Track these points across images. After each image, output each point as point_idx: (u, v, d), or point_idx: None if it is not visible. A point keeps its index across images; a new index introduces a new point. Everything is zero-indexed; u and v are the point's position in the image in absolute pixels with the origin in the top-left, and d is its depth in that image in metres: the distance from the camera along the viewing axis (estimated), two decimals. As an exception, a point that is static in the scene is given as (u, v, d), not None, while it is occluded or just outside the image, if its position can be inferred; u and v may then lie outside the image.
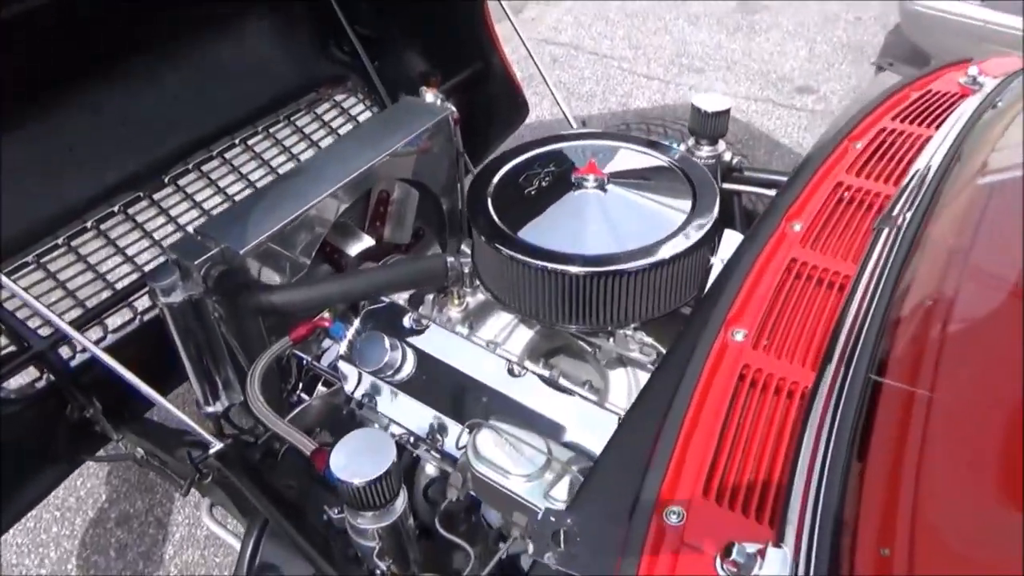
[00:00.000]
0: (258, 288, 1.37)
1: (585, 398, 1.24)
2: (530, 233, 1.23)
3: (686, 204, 1.24)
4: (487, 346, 1.37)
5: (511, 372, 1.26)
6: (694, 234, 1.17)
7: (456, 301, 1.46)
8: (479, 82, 2.43)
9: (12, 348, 1.56)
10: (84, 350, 1.57)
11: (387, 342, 1.30)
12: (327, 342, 1.51)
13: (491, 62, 2.43)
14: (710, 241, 1.22)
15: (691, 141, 1.72)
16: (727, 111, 1.62)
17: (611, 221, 1.22)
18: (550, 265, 1.18)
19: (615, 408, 1.28)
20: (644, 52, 4.25)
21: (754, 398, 0.83)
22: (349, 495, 0.99)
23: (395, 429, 1.38)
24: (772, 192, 1.77)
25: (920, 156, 1.13)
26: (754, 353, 0.88)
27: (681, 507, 0.75)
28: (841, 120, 1.33)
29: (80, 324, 1.66)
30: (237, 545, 1.48)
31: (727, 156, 1.71)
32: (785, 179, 1.79)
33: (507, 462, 1.01)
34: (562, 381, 1.33)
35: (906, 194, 1.02)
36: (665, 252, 1.15)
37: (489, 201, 1.28)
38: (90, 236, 1.84)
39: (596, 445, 1.15)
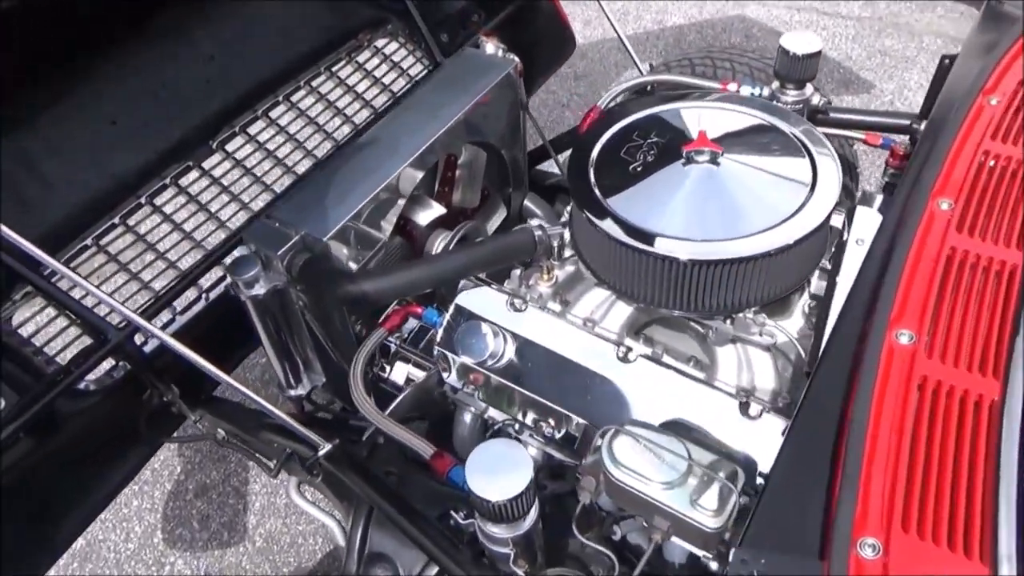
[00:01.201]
0: (345, 278, 1.31)
1: (700, 381, 1.20)
2: (637, 213, 1.15)
3: (806, 175, 1.15)
4: (585, 325, 1.32)
5: (622, 358, 1.21)
6: (816, 215, 1.09)
7: (546, 276, 1.39)
8: (524, 15, 2.29)
9: (89, 341, 1.52)
10: (157, 336, 1.54)
11: (489, 330, 1.25)
12: (412, 321, 1.46)
13: (538, -7, 2.29)
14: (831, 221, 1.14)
15: (775, 84, 1.62)
16: (818, 53, 1.51)
17: (725, 199, 1.14)
18: (660, 251, 1.11)
19: (727, 387, 1.24)
20: (676, -38, 4.00)
21: (938, 413, 0.78)
22: (487, 510, 0.96)
23: (494, 414, 1.35)
24: (860, 135, 1.68)
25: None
26: (928, 360, 0.82)
27: (876, 540, 0.71)
28: (964, 69, 1.23)
29: (149, 310, 1.61)
30: (331, 524, 1.48)
31: (815, 99, 1.61)
32: (874, 119, 1.71)
33: (647, 468, 0.97)
34: (666, 359, 1.29)
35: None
36: (784, 236, 1.08)
37: (591, 176, 1.20)
38: (146, 212, 1.76)
39: (725, 436, 1.11)
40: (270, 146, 1.95)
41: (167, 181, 1.82)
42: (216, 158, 1.91)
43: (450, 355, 1.28)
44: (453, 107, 1.53)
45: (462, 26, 2.27)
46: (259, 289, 1.32)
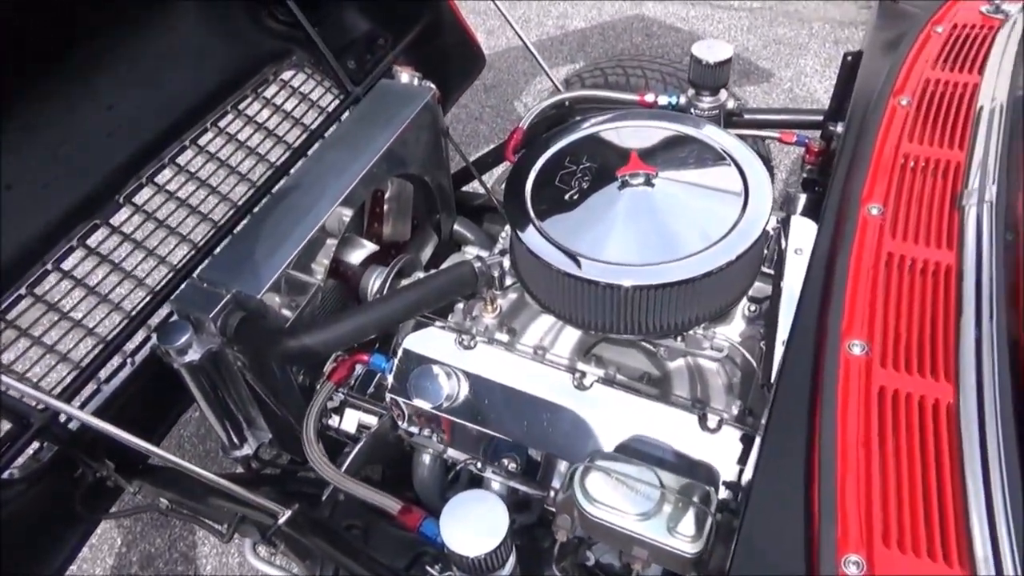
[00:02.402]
0: (285, 334, 1.26)
1: (656, 398, 1.21)
2: (578, 241, 1.15)
3: (737, 185, 1.17)
4: (536, 353, 1.32)
5: (578, 386, 1.21)
6: (754, 226, 1.11)
7: (490, 308, 1.38)
8: (431, 36, 2.26)
9: (9, 426, 1.42)
10: (84, 410, 1.45)
11: (441, 372, 1.22)
12: (357, 368, 1.42)
13: (441, 13, 2.26)
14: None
15: (691, 92, 1.64)
16: (729, 60, 1.54)
17: (664, 220, 1.14)
18: (603, 279, 1.11)
19: (682, 401, 1.26)
20: (571, -35, 4.04)
21: (900, 422, 0.80)
22: (466, 565, 0.94)
23: (453, 453, 1.33)
24: (776, 134, 1.73)
25: (977, 111, 1.09)
26: (883, 370, 0.85)
27: (860, 556, 0.73)
28: (871, 69, 1.27)
29: (72, 385, 1.51)
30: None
31: (730, 104, 1.65)
32: (785, 117, 1.76)
33: (621, 502, 0.97)
34: (620, 378, 1.29)
35: (976, 162, 0.98)
36: (726, 252, 1.09)
37: (529, 207, 1.19)
38: (54, 280, 1.66)
39: (687, 450, 1.13)
40: (182, 194, 1.86)
41: (74, 243, 1.71)
42: (125, 212, 1.81)
43: (403, 401, 1.25)
44: (376, 142, 1.49)
45: (368, 51, 2.23)
46: (193, 355, 1.25)
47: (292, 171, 1.57)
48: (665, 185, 1.18)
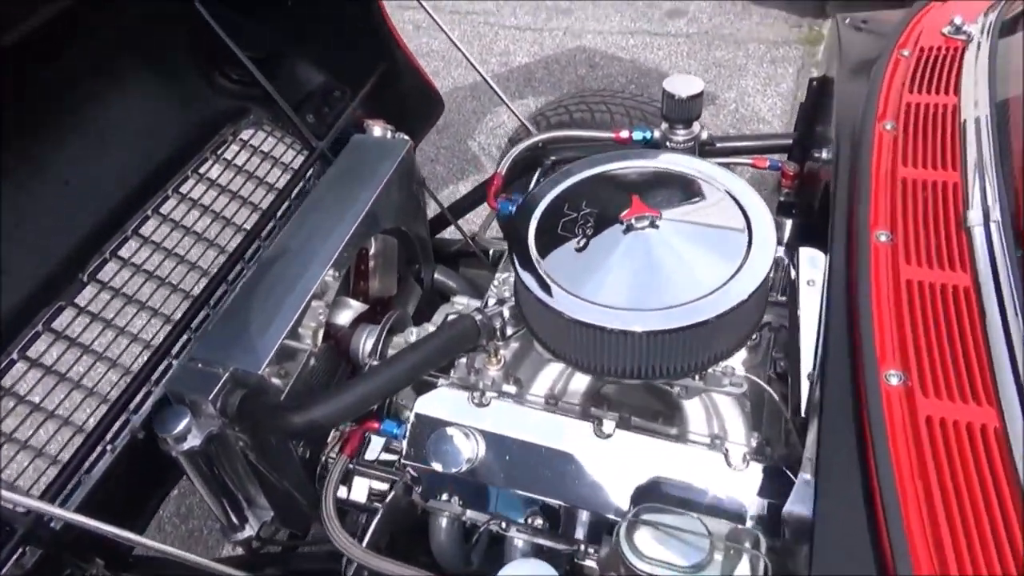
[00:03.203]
0: (290, 409, 1.21)
1: (677, 439, 1.20)
2: (588, 288, 1.13)
3: (739, 220, 1.18)
4: (548, 403, 1.29)
5: (598, 434, 1.19)
6: (763, 260, 1.11)
7: (495, 360, 1.35)
8: (389, 84, 2.24)
9: (-8, 534, 1.32)
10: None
11: (459, 434, 1.19)
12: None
13: (397, 60, 2.24)
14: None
15: (664, 126, 1.66)
16: (701, 93, 1.56)
17: (672, 262, 1.14)
18: (615, 326, 1.09)
19: (701, 438, 1.25)
20: (507, 3, 4.09)
21: (952, 450, 0.81)
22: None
23: (472, 515, 1.29)
24: (749, 160, 1.76)
25: (961, 131, 1.13)
26: (925, 399, 0.85)
27: (937, 594, 0.72)
28: (848, 94, 1.31)
29: (54, 485, 1.42)
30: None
31: (704, 135, 1.67)
32: (757, 143, 1.80)
33: (672, 555, 0.95)
34: (636, 421, 1.28)
35: (975, 183, 1.01)
36: (740, 290, 1.09)
37: (536, 257, 1.18)
38: (21, 369, 1.56)
39: (716, 491, 1.12)
40: (149, 266, 1.78)
41: (39, 328, 1.62)
42: (90, 291, 1.72)
43: (421, 467, 1.21)
44: (359, 202, 1.46)
45: (326, 104, 2.20)
46: (193, 440, 1.19)
47: (276, 237, 1.52)
48: (669, 226, 1.18)
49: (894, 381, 0.88)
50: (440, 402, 1.24)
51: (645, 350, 1.11)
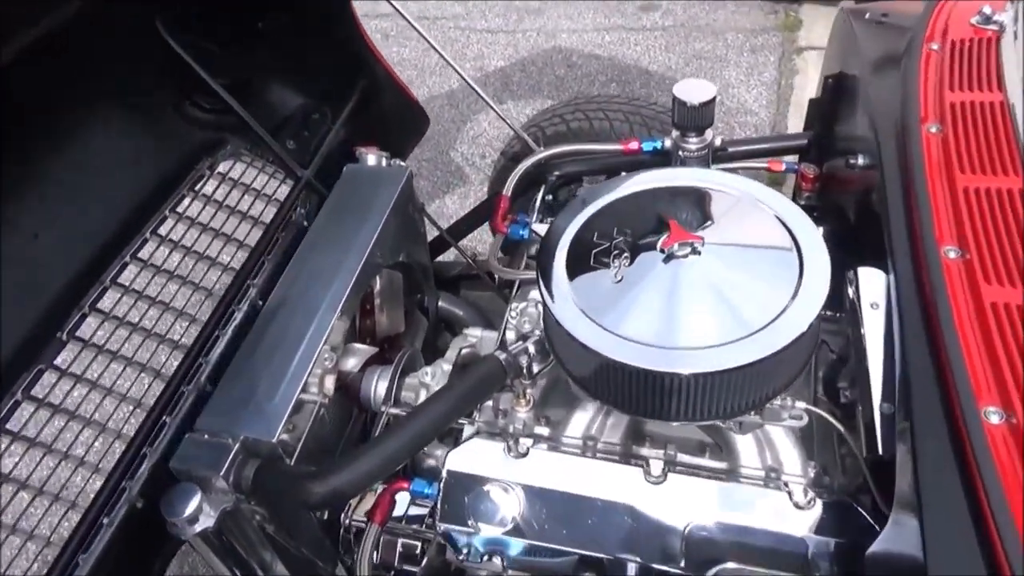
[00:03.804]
0: (309, 478, 1.10)
1: (727, 475, 1.12)
2: (629, 326, 1.04)
3: (785, 238, 1.09)
4: (586, 445, 1.20)
5: (648, 479, 1.10)
6: (819, 287, 1.02)
7: (523, 401, 1.25)
8: (370, 102, 2.13)
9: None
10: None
11: (499, 490, 1.09)
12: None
13: (377, 75, 2.13)
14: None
15: (675, 134, 1.58)
16: (714, 99, 1.48)
17: (720, 293, 1.05)
18: (661, 369, 1.00)
19: (755, 473, 1.17)
20: (475, 5, 3.98)
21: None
22: None
23: (515, 574, 1.19)
24: (764, 163, 1.68)
25: (1016, 131, 1.05)
26: (1032, 436, 0.77)
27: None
28: (881, 92, 1.23)
29: (52, 570, 1.30)
30: None
31: (717, 142, 1.59)
32: (770, 145, 1.72)
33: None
34: (682, 458, 1.20)
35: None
36: (796, 323, 1.00)
37: (571, 294, 1.08)
38: (4, 443, 1.44)
39: (780, 531, 1.04)
40: (132, 318, 1.66)
41: (19, 397, 1.49)
42: (70, 351, 1.59)
43: (459, 528, 1.11)
44: (361, 241, 1.35)
45: (306, 128, 2.08)
46: (206, 521, 1.08)
47: (276, 286, 1.40)
48: (713, 251, 1.08)
49: (995, 419, 0.80)
50: (474, 456, 1.14)
51: (693, 392, 1.03)
